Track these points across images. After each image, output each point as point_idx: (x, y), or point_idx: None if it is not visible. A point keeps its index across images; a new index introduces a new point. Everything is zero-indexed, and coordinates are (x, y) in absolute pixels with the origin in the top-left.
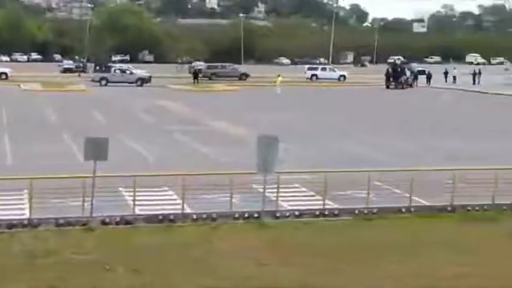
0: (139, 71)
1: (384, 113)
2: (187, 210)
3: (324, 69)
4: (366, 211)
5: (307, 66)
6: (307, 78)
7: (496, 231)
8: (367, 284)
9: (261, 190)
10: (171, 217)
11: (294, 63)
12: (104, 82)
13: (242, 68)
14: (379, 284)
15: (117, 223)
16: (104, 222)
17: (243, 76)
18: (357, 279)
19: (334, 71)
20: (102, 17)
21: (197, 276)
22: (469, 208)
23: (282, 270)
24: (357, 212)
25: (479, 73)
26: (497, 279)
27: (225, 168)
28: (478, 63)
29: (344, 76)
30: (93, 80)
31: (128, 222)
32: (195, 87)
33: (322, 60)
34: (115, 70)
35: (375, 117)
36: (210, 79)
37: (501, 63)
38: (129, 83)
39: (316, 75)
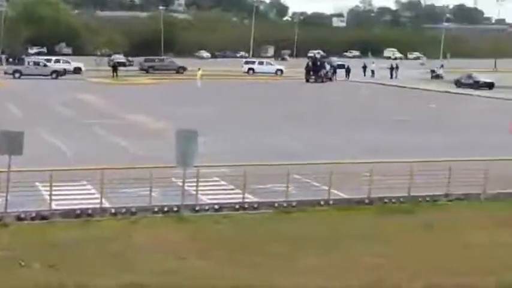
0: (76, 63)
1: (303, 106)
2: (106, 205)
3: (261, 63)
4: (285, 204)
5: (244, 60)
6: (244, 72)
7: (411, 223)
8: (286, 278)
9: (181, 184)
10: (89, 212)
11: (214, 56)
12: (17, 75)
13: (179, 61)
14: (297, 277)
15: (32, 218)
16: (19, 218)
17: (181, 69)
18: (276, 272)
19: (272, 64)
20: (18, 9)
21: (116, 271)
22: (386, 200)
23: (201, 264)
24: (276, 205)
25: (397, 67)
26: (410, 270)
27: (144, 162)
28: (395, 58)
29: (281, 70)
30: (6, 73)
31: (43, 218)
32: (114, 81)
33: (243, 53)
34: (29, 63)
35: (294, 110)
36: (147, 72)
37: (417, 58)
38: (43, 75)
39: (253, 69)
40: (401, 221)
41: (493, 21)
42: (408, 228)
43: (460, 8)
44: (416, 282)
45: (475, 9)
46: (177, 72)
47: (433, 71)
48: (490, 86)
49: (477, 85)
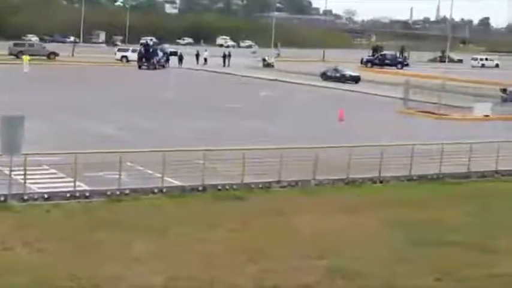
0: None
1: (135, 94)
2: None
3: (134, 51)
4: (118, 192)
5: (117, 47)
6: (117, 60)
7: (243, 210)
8: (118, 266)
9: (7, 172)
10: None
11: (42, 40)
12: None
13: (49, 46)
14: (130, 264)
15: None
16: None
17: (52, 55)
18: (107, 260)
19: None
20: None
21: None
22: (219, 187)
23: (28, 254)
24: (109, 193)
25: (229, 55)
26: (244, 255)
27: None
28: (228, 46)
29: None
30: None
31: None
32: None
33: (72, 38)
34: None
35: (123, 97)
36: (17, 57)
37: (250, 46)
38: None
39: (126, 56)
40: (234, 207)
41: (321, 12)
42: (240, 214)
43: None
44: (249, 267)
45: None
46: (48, 57)
47: (264, 60)
48: (356, 79)
49: (344, 78)
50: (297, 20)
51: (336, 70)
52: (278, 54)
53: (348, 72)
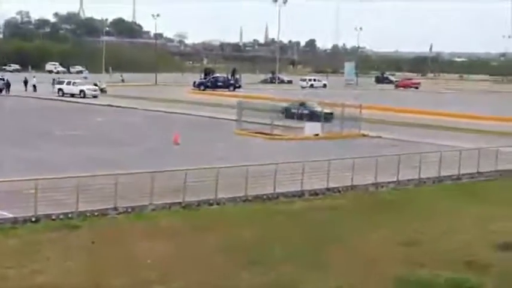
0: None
1: None
2: None
3: (68, 83)
4: None
5: (56, 80)
6: (54, 92)
7: (78, 238)
8: None
9: None
10: None
11: None
12: None
13: None
14: None
15: None
16: None
17: None
18: None
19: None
20: None
21: None
22: (53, 217)
23: None
24: None
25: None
26: (83, 285)
27: None
28: (58, 72)
29: (84, 91)
30: None
31: None
32: None
33: None
34: None
35: None
36: None
37: (80, 71)
38: None
39: (62, 89)
40: (69, 237)
41: (152, 35)
42: (75, 244)
43: (119, 22)
44: None
45: (134, 23)
46: None
47: (96, 85)
48: (329, 117)
49: (314, 116)
50: (128, 43)
51: (303, 106)
52: (122, 80)
53: (318, 109)
